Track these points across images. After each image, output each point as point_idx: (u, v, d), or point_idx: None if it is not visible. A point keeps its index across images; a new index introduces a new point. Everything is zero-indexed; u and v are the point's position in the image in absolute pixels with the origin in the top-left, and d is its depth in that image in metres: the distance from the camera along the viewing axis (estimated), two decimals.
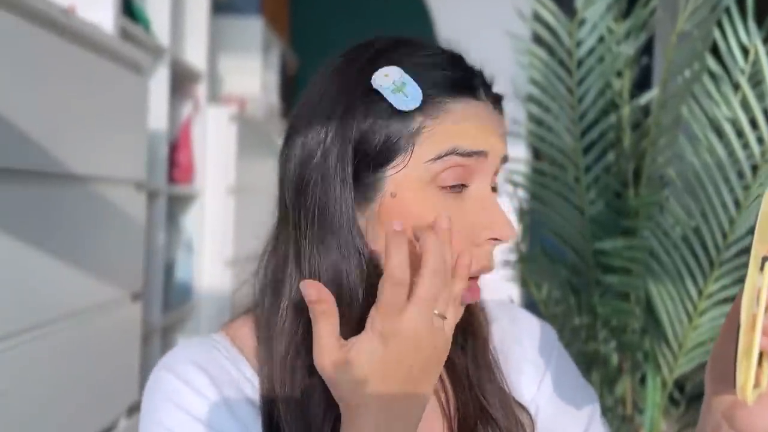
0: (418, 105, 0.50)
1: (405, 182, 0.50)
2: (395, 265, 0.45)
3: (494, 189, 0.54)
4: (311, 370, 0.49)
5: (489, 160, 0.52)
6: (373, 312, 0.46)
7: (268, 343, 0.54)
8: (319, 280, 0.50)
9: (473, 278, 0.53)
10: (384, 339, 0.45)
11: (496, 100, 0.55)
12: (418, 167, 0.50)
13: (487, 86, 0.55)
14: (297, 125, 0.54)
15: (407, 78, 0.50)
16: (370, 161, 0.50)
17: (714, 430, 0.49)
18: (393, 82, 0.50)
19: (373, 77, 0.51)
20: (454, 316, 0.49)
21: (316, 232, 0.51)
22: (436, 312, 0.46)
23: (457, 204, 0.51)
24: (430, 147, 0.50)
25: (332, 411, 0.50)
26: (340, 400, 0.47)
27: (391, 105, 0.50)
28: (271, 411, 0.52)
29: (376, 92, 0.50)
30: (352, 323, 0.49)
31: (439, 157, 0.50)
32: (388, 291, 0.45)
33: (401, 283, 0.45)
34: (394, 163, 0.50)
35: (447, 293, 0.47)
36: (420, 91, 0.50)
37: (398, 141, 0.50)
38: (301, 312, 0.52)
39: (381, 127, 0.50)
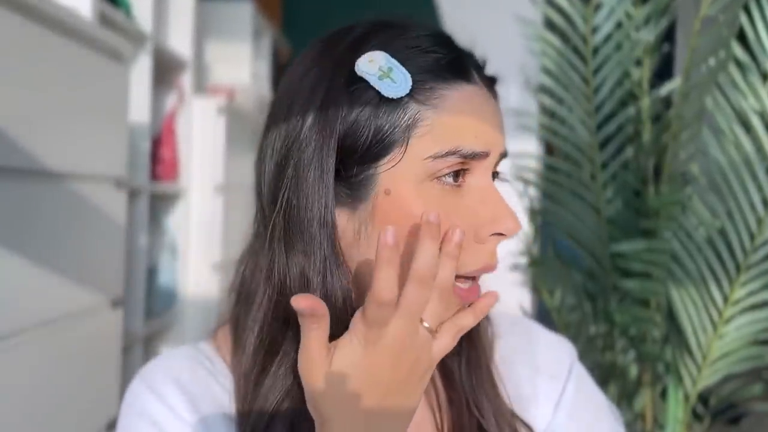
0: (407, 92, 0.49)
1: (400, 178, 0.49)
2: (382, 286, 0.44)
3: (495, 175, 0.54)
4: (277, 387, 0.52)
5: (490, 158, 0.52)
6: (357, 317, 0.46)
7: (238, 358, 0.55)
8: (288, 290, 0.50)
9: (474, 278, 0.52)
10: (365, 345, 0.45)
11: (490, 83, 0.55)
12: (415, 163, 0.49)
13: (479, 68, 0.54)
14: (275, 116, 0.54)
15: (394, 62, 0.50)
16: (359, 156, 0.49)
17: None
18: (379, 68, 0.49)
19: (357, 63, 0.50)
20: (451, 337, 0.48)
21: (285, 235, 0.51)
22: (426, 324, 0.46)
23: (457, 199, 0.50)
24: (429, 143, 0.49)
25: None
26: (316, 413, 0.47)
27: (378, 93, 0.49)
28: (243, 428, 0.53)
29: (361, 80, 0.50)
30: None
31: (440, 156, 0.49)
32: (373, 309, 0.44)
33: (387, 303, 0.44)
34: (388, 158, 0.49)
35: (440, 308, 0.47)
36: (409, 76, 0.49)
37: (391, 134, 0.49)
38: (270, 328, 0.53)
39: (369, 119, 0.49)
